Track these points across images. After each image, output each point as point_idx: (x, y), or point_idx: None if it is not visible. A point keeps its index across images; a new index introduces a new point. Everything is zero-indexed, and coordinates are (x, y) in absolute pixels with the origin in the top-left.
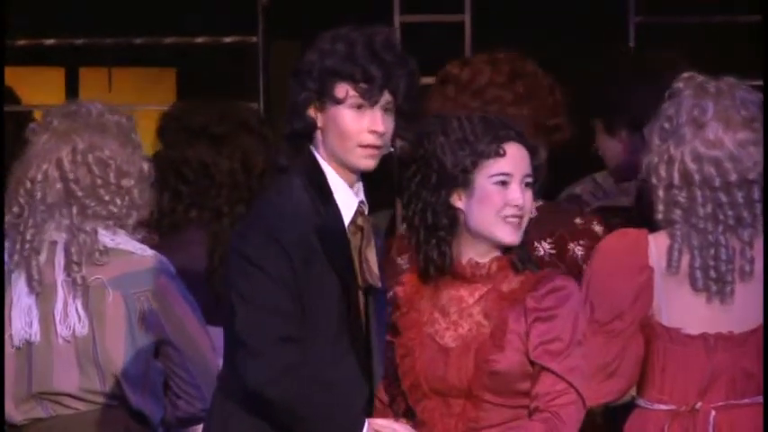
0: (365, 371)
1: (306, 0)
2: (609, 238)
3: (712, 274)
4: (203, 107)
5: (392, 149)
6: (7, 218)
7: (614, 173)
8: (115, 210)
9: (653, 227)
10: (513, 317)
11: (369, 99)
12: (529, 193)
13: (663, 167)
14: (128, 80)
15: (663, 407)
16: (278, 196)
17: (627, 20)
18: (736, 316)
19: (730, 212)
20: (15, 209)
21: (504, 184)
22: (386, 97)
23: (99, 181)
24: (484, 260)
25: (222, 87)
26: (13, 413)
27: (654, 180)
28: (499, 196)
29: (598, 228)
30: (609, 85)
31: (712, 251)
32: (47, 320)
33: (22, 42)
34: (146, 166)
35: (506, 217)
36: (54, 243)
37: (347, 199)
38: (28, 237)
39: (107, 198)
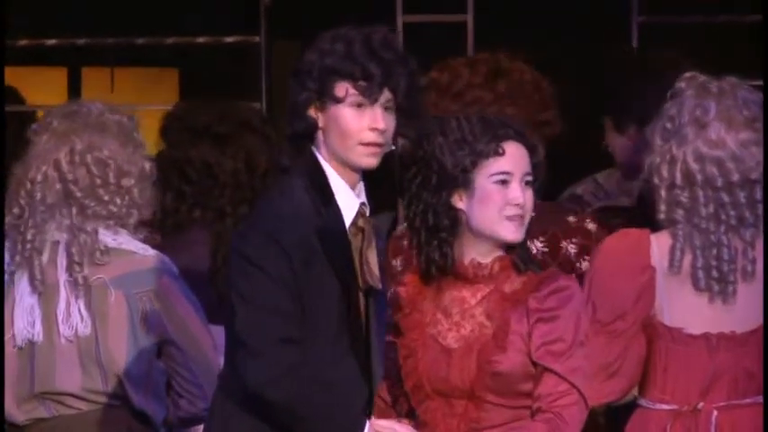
0: (365, 371)
1: (307, 0)
2: (611, 238)
3: (714, 273)
4: (206, 107)
5: (393, 148)
6: (8, 218)
7: (623, 169)
8: (115, 209)
9: (655, 227)
10: (515, 318)
11: (369, 97)
12: (529, 192)
13: (665, 167)
14: (130, 80)
15: (665, 407)
16: (279, 197)
17: (630, 20)
18: (738, 316)
19: (732, 212)
20: (16, 210)
21: (504, 183)
22: (386, 95)
23: (98, 181)
24: (486, 260)
25: (224, 87)
26: (16, 413)
27: (656, 180)
28: (500, 195)
29: (591, 225)
30: (616, 83)
31: (714, 251)
32: (49, 320)
33: (24, 42)
34: (147, 165)
35: (507, 216)
36: (56, 243)
37: (348, 200)
38: (29, 237)
39: (106, 198)
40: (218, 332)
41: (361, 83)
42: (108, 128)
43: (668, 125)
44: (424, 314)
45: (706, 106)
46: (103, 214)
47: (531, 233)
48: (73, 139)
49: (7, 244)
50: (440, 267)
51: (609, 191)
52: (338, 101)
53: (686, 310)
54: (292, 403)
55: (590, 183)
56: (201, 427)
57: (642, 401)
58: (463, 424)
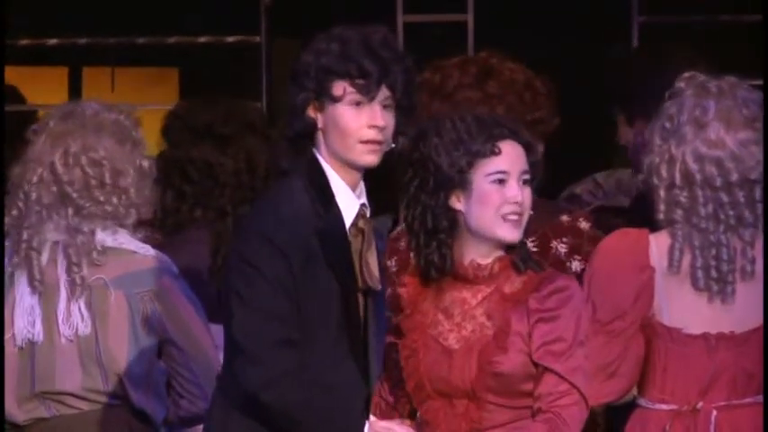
0: (363, 373)
1: (307, 0)
2: (610, 238)
3: (713, 273)
4: (208, 107)
5: (393, 146)
6: (7, 219)
7: (635, 165)
8: (111, 209)
9: (654, 227)
10: (515, 318)
11: (366, 95)
12: (527, 190)
13: (664, 167)
14: (130, 80)
15: (664, 407)
16: (277, 198)
17: (630, 20)
18: (737, 316)
19: (731, 212)
20: (14, 211)
21: (501, 182)
22: (384, 92)
23: (93, 182)
24: (485, 261)
25: (224, 87)
26: (16, 413)
27: (655, 180)
28: (498, 194)
29: (584, 224)
30: (629, 78)
31: (713, 251)
32: (49, 320)
33: (25, 42)
34: (145, 163)
35: (506, 215)
36: (56, 243)
37: (349, 201)
38: (24, 237)
39: (102, 198)
40: (219, 331)
41: (359, 81)
42: (104, 127)
43: (667, 125)
44: (425, 315)
45: (705, 106)
46: (100, 214)
47: (524, 232)
48: (68, 140)
49: (7, 244)
50: (439, 269)
51: (607, 191)
52: (336, 100)
53: (685, 310)
54: (289, 406)
55: (589, 182)
56: (202, 426)
57: (641, 401)
58: (465, 424)
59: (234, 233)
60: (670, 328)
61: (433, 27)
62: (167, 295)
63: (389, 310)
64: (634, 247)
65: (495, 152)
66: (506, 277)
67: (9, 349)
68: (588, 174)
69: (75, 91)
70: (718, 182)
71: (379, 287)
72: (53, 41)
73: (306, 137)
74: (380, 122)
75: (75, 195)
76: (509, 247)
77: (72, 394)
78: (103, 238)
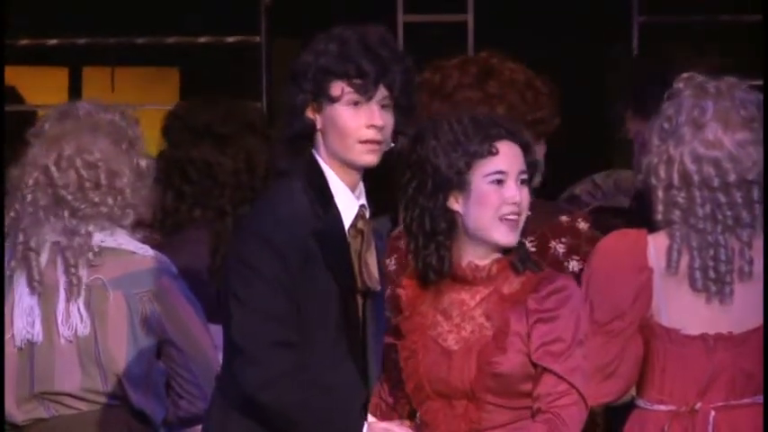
0: (362, 374)
1: (307, 0)
2: (608, 238)
3: (711, 274)
4: (208, 107)
5: (393, 145)
6: (7, 221)
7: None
8: (106, 210)
9: (652, 227)
10: (514, 318)
11: (364, 94)
12: (525, 191)
13: (662, 168)
14: (130, 80)
15: (662, 407)
16: (276, 199)
17: (630, 20)
18: (735, 316)
19: (729, 213)
20: (12, 213)
21: (499, 182)
22: (382, 92)
23: (88, 184)
24: (484, 262)
25: (224, 87)
26: (15, 413)
27: (653, 180)
28: (496, 195)
29: (583, 225)
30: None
31: (711, 252)
32: (49, 321)
33: (24, 42)
34: (143, 162)
35: (504, 216)
36: (56, 244)
37: (348, 202)
38: (20, 239)
39: (97, 200)
40: (218, 332)
41: (356, 81)
42: (100, 128)
43: (666, 125)
44: (425, 316)
45: (703, 107)
46: (96, 216)
47: (522, 232)
48: (62, 143)
49: (6, 244)
50: (437, 271)
51: (606, 191)
52: (334, 100)
53: (683, 310)
54: (286, 407)
55: (588, 183)
56: (201, 427)
57: (640, 402)
58: (464, 425)
59: (233, 233)
60: (668, 328)
61: (433, 27)
62: (166, 295)
63: (389, 310)
64: (632, 247)
65: (492, 152)
66: (505, 278)
67: (8, 350)
68: (588, 174)
69: (75, 91)
70: (716, 182)
71: (379, 288)
72: (53, 41)
73: (305, 138)
74: (379, 122)
75: (69, 198)
76: (507, 248)
77: (71, 395)
78: (102, 238)
